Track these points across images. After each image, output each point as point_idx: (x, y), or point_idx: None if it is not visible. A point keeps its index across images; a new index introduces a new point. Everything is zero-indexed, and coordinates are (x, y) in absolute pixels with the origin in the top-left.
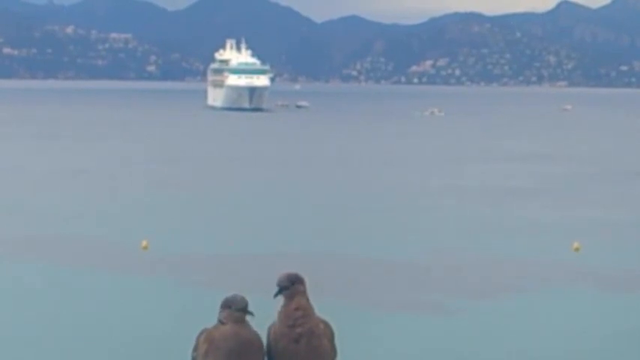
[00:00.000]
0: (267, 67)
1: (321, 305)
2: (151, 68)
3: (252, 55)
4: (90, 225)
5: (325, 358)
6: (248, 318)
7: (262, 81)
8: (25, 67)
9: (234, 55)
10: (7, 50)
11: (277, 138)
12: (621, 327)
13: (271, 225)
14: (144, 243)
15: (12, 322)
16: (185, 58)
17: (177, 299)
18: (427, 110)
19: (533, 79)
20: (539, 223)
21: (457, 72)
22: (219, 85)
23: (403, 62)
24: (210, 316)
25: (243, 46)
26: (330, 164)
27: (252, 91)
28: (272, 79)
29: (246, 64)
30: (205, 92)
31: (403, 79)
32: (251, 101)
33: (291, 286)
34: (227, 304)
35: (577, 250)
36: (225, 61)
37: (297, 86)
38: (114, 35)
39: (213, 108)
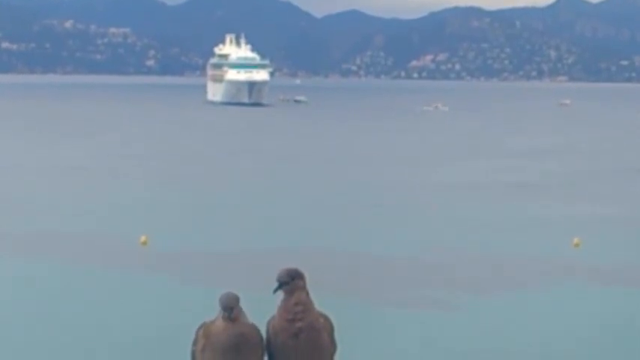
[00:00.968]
0: (266, 62)
1: (322, 300)
2: (150, 63)
3: (252, 50)
4: (89, 221)
5: (325, 353)
6: (247, 312)
7: (262, 76)
8: (24, 62)
9: (234, 50)
10: (5, 44)
11: (276, 133)
12: (621, 322)
13: (270, 220)
14: (143, 239)
15: (10, 317)
16: (184, 53)
17: (177, 294)
18: (431, 105)
19: (534, 73)
20: (539, 219)
21: (457, 67)
22: (219, 79)
23: (403, 57)
24: (209, 311)
25: (242, 40)
26: (330, 160)
27: (252, 85)
28: (271, 74)
29: (246, 58)
30: (205, 87)
31: (403, 73)
32: (250, 96)
33: (291, 282)
34: (219, 303)
35: (577, 245)
36: (225, 56)
37: (298, 81)
38: (113, 30)
39: (212, 103)
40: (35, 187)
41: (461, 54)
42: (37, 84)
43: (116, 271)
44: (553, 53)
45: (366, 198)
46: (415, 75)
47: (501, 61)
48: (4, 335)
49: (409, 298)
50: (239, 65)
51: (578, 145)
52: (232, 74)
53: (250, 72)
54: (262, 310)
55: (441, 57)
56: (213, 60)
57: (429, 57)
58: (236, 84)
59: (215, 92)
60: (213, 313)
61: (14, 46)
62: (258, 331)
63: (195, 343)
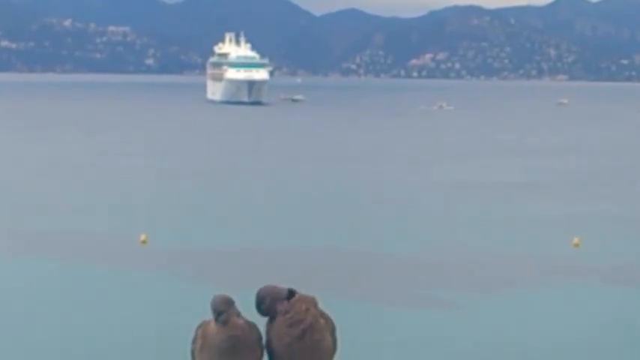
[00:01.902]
0: (266, 61)
1: (323, 299)
2: (150, 62)
3: (252, 49)
4: (89, 219)
5: (327, 353)
6: (247, 311)
7: (261, 74)
8: (23, 61)
9: (234, 49)
10: (4, 43)
11: (276, 132)
12: (621, 321)
13: (270, 219)
14: (142, 237)
15: (10, 315)
16: (184, 52)
17: (176, 293)
18: (436, 104)
19: (534, 72)
20: (539, 218)
21: (457, 65)
22: (219, 78)
23: (403, 56)
24: (208, 310)
25: (242, 39)
26: (330, 159)
27: (251, 84)
28: (271, 73)
29: (245, 57)
30: (204, 86)
31: (403, 72)
32: (250, 95)
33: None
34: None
35: (577, 245)
36: (225, 55)
37: (299, 80)
38: (112, 28)
39: (212, 102)
40: (35, 186)
41: (461, 53)
42: (37, 83)
43: (116, 269)
44: (553, 52)
45: (367, 197)
46: (415, 74)
47: (501, 60)
48: (3, 333)
49: (409, 297)
50: (239, 64)
51: (577, 145)
52: (232, 73)
53: (250, 71)
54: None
55: (441, 56)
56: (213, 59)
57: (428, 56)
58: (236, 83)
59: (215, 91)
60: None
61: (13, 45)
62: (254, 329)
63: (194, 341)
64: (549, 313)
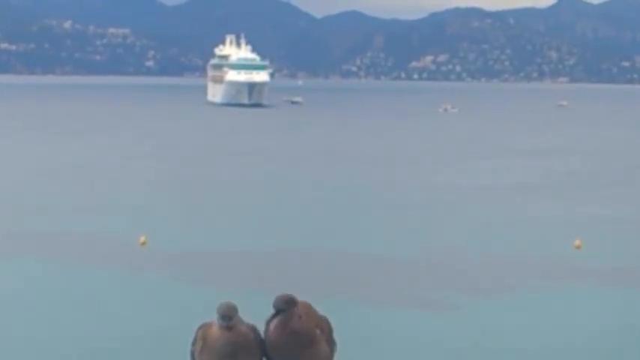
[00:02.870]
0: (266, 63)
1: (324, 300)
2: (150, 63)
3: (252, 51)
4: (88, 221)
5: None
6: (246, 313)
7: (262, 76)
8: (23, 63)
9: (234, 51)
10: (4, 45)
11: (276, 134)
12: (622, 323)
13: (269, 221)
14: (142, 239)
15: (10, 316)
16: (183, 54)
17: (176, 294)
18: (440, 107)
19: (535, 75)
20: (540, 220)
21: (458, 68)
22: (219, 80)
23: (403, 58)
24: (208, 311)
25: (242, 41)
26: (330, 161)
27: (252, 86)
28: (271, 75)
29: (246, 59)
30: (204, 88)
31: (403, 74)
32: (250, 97)
33: (288, 309)
34: (217, 311)
35: (578, 247)
36: (225, 57)
37: (300, 82)
38: (112, 30)
39: (212, 104)
40: (34, 187)
41: (461, 55)
42: (36, 84)
43: (115, 271)
44: (554, 54)
45: (369, 199)
46: (415, 76)
47: (502, 62)
48: (4, 334)
49: (410, 299)
50: (239, 66)
51: (578, 146)
52: (232, 75)
53: (250, 73)
54: (261, 311)
55: (442, 58)
56: (214, 61)
57: (429, 58)
58: (236, 85)
59: (215, 93)
60: (212, 312)
61: (13, 47)
62: (255, 333)
63: (194, 343)
64: (551, 315)
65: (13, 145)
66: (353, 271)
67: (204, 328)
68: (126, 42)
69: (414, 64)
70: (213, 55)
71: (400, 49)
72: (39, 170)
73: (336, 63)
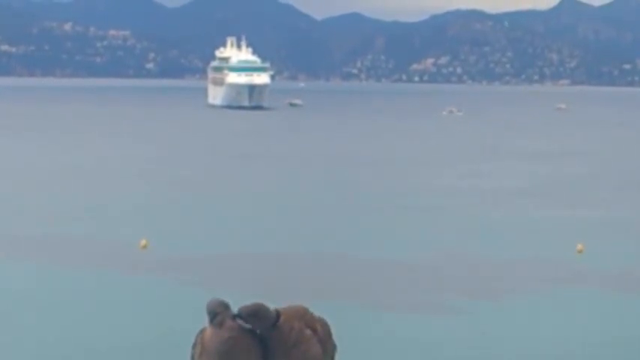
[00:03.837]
0: (267, 65)
1: (323, 303)
2: (150, 65)
3: (253, 53)
4: (89, 224)
5: None
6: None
7: (262, 79)
8: (23, 65)
9: (235, 53)
10: (4, 47)
11: (276, 137)
12: (624, 328)
13: (270, 224)
14: (143, 242)
15: (11, 319)
16: (184, 56)
17: (176, 298)
18: (445, 110)
19: (536, 77)
20: (543, 224)
21: (458, 70)
22: (220, 83)
23: (404, 60)
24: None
25: (243, 43)
26: (330, 163)
27: (252, 89)
28: (272, 77)
29: (247, 61)
30: (205, 90)
31: (404, 77)
32: (251, 99)
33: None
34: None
35: (581, 251)
36: (226, 59)
37: (302, 84)
38: (112, 32)
39: (213, 106)
40: (35, 190)
41: (462, 57)
42: (37, 87)
43: (116, 274)
44: (555, 57)
45: (370, 200)
46: (416, 78)
47: (503, 65)
48: (6, 337)
49: (412, 302)
50: (240, 68)
51: (579, 150)
52: (233, 77)
53: (251, 75)
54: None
55: (443, 60)
56: (214, 63)
57: (430, 60)
58: (236, 87)
59: (215, 95)
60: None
61: (13, 49)
62: (250, 331)
63: (194, 346)
64: (553, 319)
65: (12, 147)
66: (353, 274)
67: (203, 332)
68: (126, 44)
69: (414, 66)
70: (213, 58)
71: (401, 51)
72: (39, 172)
73: (337, 65)
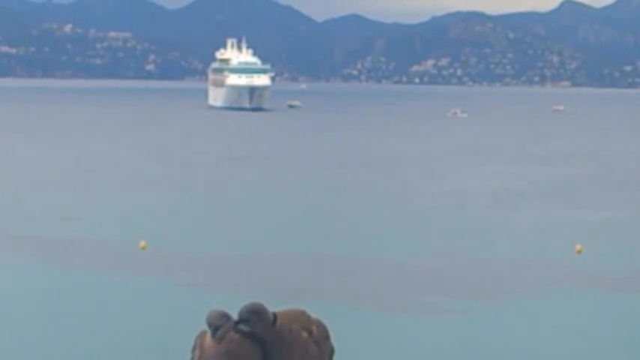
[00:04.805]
0: (267, 67)
1: (323, 305)
2: (150, 67)
3: (253, 55)
4: (88, 225)
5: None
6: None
7: (263, 80)
8: (23, 66)
9: (235, 55)
10: (4, 48)
11: (277, 138)
12: (624, 328)
13: (269, 225)
14: (142, 244)
15: (10, 321)
16: (184, 57)
17: (176, 299)
18: (449, 111)
19: (536, 79)
20: (542, 225)
21: (459, 72)
22: (220, 84)
23: (404, 62)
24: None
25: (243, 45)
26: (330, 164)
27: (253, 90)
28: (272, 79)
29: (247, 63)
30: (205, 92)
31: (404, 78)
32: (251, 101)
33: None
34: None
35: (579, 252)
36: (226, 61)
37: (304, 85)
38: (112, 34)
39: (213, 108)
40: (34, 192)
41: (463, 59)
42: (37, 88)
43: (115, 275)
44: (555, 58)
45: (371, 202)
46: (417, 80)
47: (504, 67)
48: (5, 338)
49: (412, 303)
50: (240, 70)
51: (578, 151)
52: (233, 79)
53: (251, 77)
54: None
55: (443, 62)
56: (215, 64)
57: (430, 62)
58: (237, 89)
59: (216, 97)
60: None
61: (13, 50)
62: (251, 341)
63: (193, 350)
64: (552, 321)
65: (12, 148)
66: (353, 275)
67: (203, 335)
68: (126, 46)
69: (415, 68)
70: (214, 59)
71: (401, 53)
72: (39, 173)
73: (337, 67)
